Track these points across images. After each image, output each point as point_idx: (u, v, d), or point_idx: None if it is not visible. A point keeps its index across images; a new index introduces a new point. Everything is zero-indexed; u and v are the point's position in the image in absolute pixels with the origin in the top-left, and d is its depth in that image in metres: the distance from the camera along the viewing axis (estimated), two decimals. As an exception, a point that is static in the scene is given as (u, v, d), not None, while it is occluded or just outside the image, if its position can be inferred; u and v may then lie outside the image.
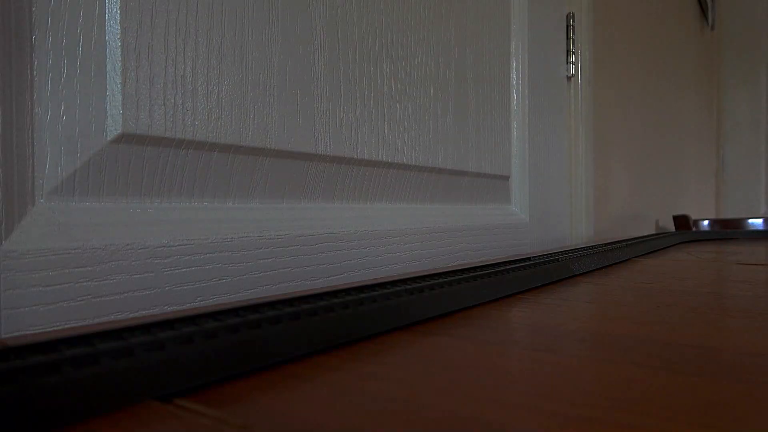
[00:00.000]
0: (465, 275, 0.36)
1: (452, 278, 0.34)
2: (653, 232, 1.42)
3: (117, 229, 0.31)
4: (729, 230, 1.36)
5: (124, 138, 0.32)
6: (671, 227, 1.52)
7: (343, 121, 0.47)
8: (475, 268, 0.41)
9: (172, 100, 0.34)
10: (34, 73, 0.29)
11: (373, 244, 0.50)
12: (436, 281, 0.33)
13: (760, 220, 1.55)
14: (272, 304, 0.23)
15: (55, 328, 0.28)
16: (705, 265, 0.60)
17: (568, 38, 0.92)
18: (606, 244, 0.70)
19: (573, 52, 0.92)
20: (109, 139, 0.31)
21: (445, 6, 0.61)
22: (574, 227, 0.96)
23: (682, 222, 1.49)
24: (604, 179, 1.08)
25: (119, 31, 0.32)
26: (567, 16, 0.92)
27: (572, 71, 0.93)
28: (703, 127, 2.02)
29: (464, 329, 0.28)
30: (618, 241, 0.78)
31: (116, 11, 0.31)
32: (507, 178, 0.75)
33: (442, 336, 0.26)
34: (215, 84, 0.37)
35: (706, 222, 1.63)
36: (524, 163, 0.78)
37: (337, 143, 0.47)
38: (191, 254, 0.35)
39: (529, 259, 0.50)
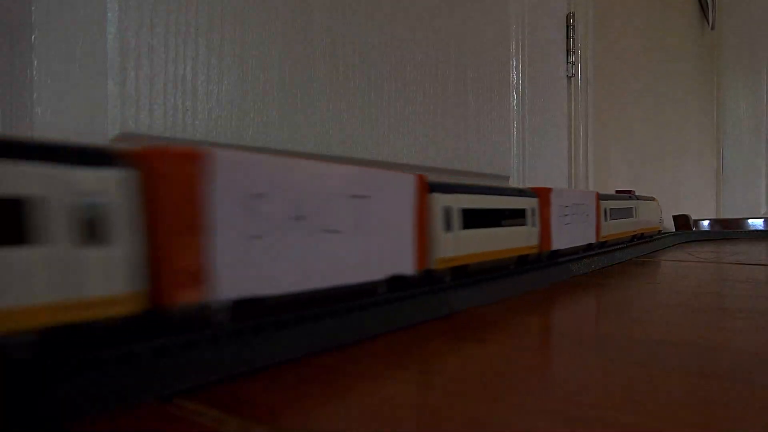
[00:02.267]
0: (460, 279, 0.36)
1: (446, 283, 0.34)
2: (653, 232, 1.41)
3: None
4: (729, 230, 1.36)
5: (124, 138, 0.32)
6: (671, 227, 1.52)
7: (343, 121, 0.47)
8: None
9: (172, 100, 0.34)
10: (34, 73, 0.29)
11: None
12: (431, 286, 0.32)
13: (760, 220, 1.55)
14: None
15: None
16: (705, 265, 0.60)
17: (568, 38, 0.92)
18: (606, 245, 0.70)
19: (573, 52, 0.92)
20: (109, 138, 0.31)
21: (445, 6, 0.61)
22: (574, 227, 0.95)
23: (682, 222, 1.49)
24: (604, 179, 1.08)
25: (119, 31, 0.32)
26: (567, 16, 0.92)
27: (572, 71, 0.93)
28: (703, 127, 2.01)
29: (464, 331, 0.28)
30: (618, 242, 0.78)
31: (116, 11, 0.31)
32: (507, 178, 0.75)
33: (439, 337, 0.26)
34: (215, 84, 0.37)
35: (706, 222, 1.63)
36: (524, 163, 0.78)
37: (337, 143, 0.47)
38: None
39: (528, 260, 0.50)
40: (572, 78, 0.94)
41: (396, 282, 0.27)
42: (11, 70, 0.28)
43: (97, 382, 0.15)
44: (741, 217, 1.75)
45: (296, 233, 0.21)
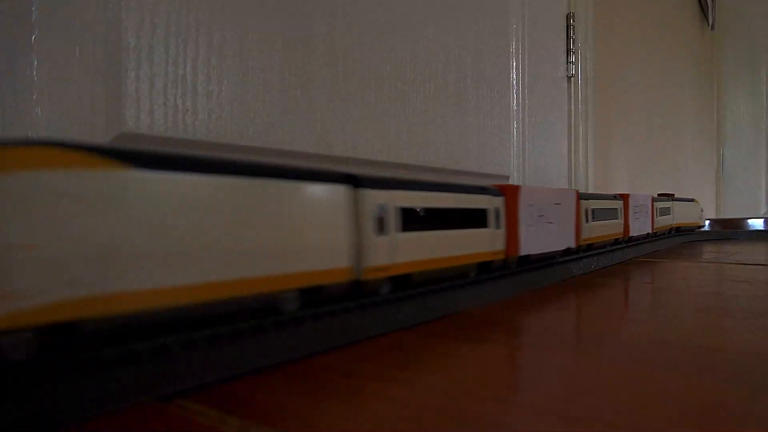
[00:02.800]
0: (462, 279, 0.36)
1: (449, 283, 0.34)
2: (653, 232, 1.41)
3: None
4: (729, 230, 1.36)
5: (124, 138, 0.32)
6: (671, 227, 1.51)
7: (343, 121, 0.47)
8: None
9: (173, 100, 0.34)
10: (34, 73, 0.29)
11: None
12: (441, 285, 0.33)
13: (760, 220, 1.55)
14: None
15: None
16: (706, 265, 0.60)
17: (568, 38, 0.92)
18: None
19: (573, 52, 0.92)
20: (109, 139, 0.31)
21: (445, 6, 0.61)
22: (574, 227, 0.95)
23: (683, 222, 1.49)
24: (604, 179, 1.08)
25: (119, 31, 0.32)
26: (567, 16, 0.92)
27: (572, 71, 0.93)
28: (703, 127, 2.01)
29: (464, 332, 0.28)
30: (619, 242, 0.78)
31: (116, 11, 0.31)
32: (507, 178, 0.75)
33: (442, 338, 0.26)
34: (215, 84, 0.37)
35: (706, 222, 1.63)
36: (524, 163, 0.78)
37: (338, 143, 0.47)
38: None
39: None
40: (572, 78, 0.94)
41: (566, 252, 0.50)
42: (11, 70, 0.28)
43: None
44: (741, 217, 1.75)
45: (540, 224, 0.44)
